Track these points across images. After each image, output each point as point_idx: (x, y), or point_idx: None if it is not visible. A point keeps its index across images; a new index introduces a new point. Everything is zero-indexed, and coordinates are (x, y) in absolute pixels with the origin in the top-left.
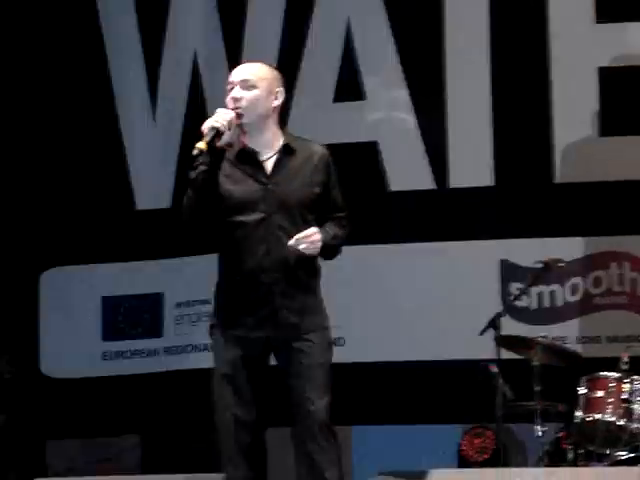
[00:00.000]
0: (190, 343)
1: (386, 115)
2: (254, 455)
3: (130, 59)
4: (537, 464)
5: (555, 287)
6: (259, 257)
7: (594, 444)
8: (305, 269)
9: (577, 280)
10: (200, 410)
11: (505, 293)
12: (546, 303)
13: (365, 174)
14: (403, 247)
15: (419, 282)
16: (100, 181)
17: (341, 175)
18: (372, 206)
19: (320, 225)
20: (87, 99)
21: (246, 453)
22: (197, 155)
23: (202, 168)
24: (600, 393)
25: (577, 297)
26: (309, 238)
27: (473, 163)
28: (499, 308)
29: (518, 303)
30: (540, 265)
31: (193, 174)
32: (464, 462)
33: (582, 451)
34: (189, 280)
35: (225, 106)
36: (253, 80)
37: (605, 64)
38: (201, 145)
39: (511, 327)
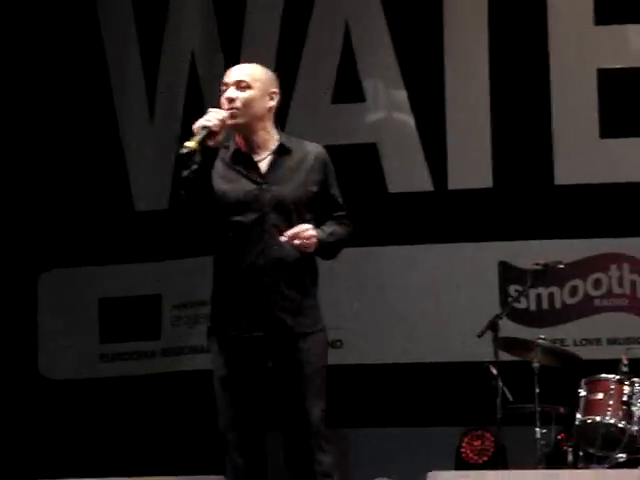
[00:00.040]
0: (187, 345)
1: (385, 117)
2: (254, 456)
3: (129, 62)
4: (537, 466)
5: (554, 289)
6: (254, 257)
7: (594, 446)
8: (302, 269)
9: (577, 282)
10: (198, 411)
11: (504, 295)
12: (545, 305)
13: (364, 175)
14: (402, 249)
15: (418, 284)
16: (99, 183)
17: (340, 177)
18: (371, 207)
19: (320, 224)
20: (87, 102)
21: (246, 454)
22: (186, 154)
23: (194, 167)
24: (600, 395)
25: (577, 299)
26: (302, 233)
27: (472, 165)
28: (498, 310)
29: (517, 305)
30: (539, 267)
31: (184, 173)
32: (464, 464)
33: (582, 453)
34: (186, 282)
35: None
36: (248, 81)
37: (605, 66)
38: (191, 144)
39: (510, 329)
